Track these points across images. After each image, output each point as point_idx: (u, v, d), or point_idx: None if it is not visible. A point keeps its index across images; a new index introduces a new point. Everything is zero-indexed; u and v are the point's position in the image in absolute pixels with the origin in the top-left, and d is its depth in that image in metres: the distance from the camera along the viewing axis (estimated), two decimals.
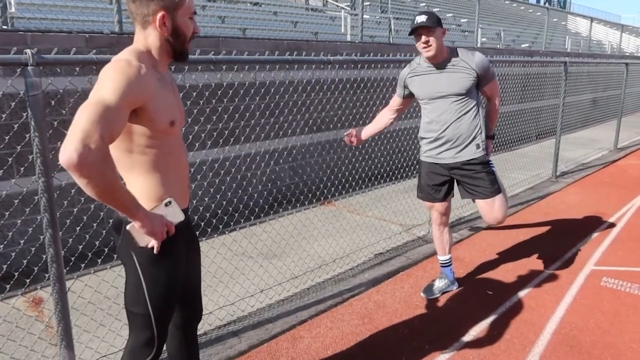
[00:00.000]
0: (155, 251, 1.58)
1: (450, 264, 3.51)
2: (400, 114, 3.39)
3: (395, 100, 3.30)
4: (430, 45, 2.87)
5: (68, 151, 1.26)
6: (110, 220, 4.02)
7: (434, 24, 2.84)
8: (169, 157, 1.64)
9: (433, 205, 3.31)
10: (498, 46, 12.02)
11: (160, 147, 1.60)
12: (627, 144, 9.87)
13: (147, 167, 1.59)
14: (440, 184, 3.20)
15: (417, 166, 3.39)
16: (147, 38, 1.59)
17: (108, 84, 1.41)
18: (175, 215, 1.60)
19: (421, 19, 2.85)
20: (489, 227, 4.83)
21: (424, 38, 2.87)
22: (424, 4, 16.44)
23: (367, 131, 3.36)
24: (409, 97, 3.22)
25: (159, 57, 1.61)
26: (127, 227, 1.53)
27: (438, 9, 16.18)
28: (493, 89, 3.13)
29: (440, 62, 2.98)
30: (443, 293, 3.44)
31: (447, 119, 3.02)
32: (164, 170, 1.63)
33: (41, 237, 2.27)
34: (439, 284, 3.46)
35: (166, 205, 1.58)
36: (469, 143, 3.04)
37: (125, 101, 1.41)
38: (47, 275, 2.23)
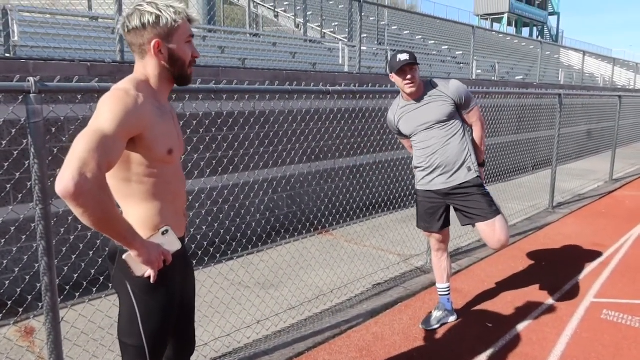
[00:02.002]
0: (152, 280, 1.55)
1: (449, 294, 3.47)
2: None
3: (406, 142, 3.39)
4: (415, 81, 3.03)
5: (65, 180, 1.26)
6: (107, 249, 3.99)
7: (416, 61, 3.01)
8: (167, 186, 1.63)
9: (430, 233, 3.32)
10: (493, 78, 12.22)
11: (158, 175, 1.59)
12: (622, 175, 9.94)
13: (144, 195, 1.58)
14: (437, 211, 3.22)
15: (415, 196, 3.41)
16: (146, 67, 1.59)
17: (106, 113, 1.41)
18: (172, 244, 1.58)
19: (405, 57, 3.00)
20: (488, 256, 4.81)
21: (409, 75, 3.01)
22: (420, 37, 16.79)
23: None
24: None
25: (159, 85, 1.61)
26: (124, 256, 1.51)
27: (434, 42, 16.53)
28: (474, 116, 3.19)
29: (417, 97, 3.12)
30: (442, 324, 3.39)
31: (434, 146, 3.09)
32: (162, 199, 1.61)
33: (36, 265, 2.24)
34: (437, 314, 3.42)
35: (163, 234, 1.56)
36: (460, 166, 3.08)
37: (123, 130, 1.41)
38: (40, 304, 2.19)
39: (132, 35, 1.56)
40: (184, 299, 1.79)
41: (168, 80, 1.63)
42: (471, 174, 3.08)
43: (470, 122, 3.22)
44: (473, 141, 3.26)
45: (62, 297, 2.53)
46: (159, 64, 1.58)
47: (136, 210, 1.59)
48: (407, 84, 3.03)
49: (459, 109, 3.14)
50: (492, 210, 3.07)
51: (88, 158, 1.30)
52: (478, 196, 3.07)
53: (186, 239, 1.82)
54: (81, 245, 3.59)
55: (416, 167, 3.26)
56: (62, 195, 1.27)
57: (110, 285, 3.42)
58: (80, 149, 1.31)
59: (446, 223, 3.29)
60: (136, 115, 1.45)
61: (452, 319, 3.46)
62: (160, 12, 1.53)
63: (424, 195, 3.25)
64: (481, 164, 3.26)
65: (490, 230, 3.06)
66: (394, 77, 3.07)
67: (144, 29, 1.54)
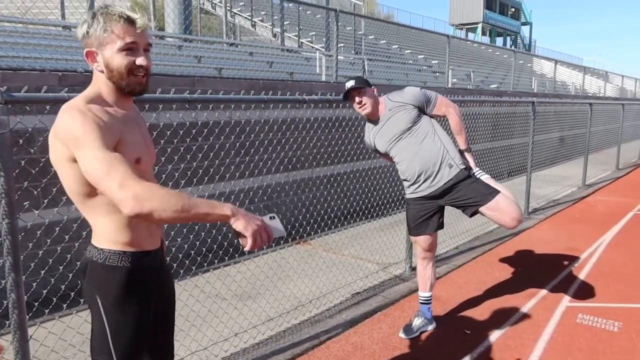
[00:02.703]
0: (247, 248, 1.42)
1: (430, 302, 3.47)
2: None
3: (386, 157, 3.37)
4: (365, 104, 3.10)
5: (124, 203, 1.32)
6: (78, 263, 3.88)
7: (362, 85, 3.09)
8: None
9: (418, 239, 3.31)
10: (468, 86, 12.42)
11: None
12: (595, 180, 10.16)
13: (110, 207, 1.49)
14: (427, 215, 3.21)
15: (395, 204, 3.42)
16: (96, 80, 1.56)
17: (84, 135, 1.38)
18: (277, 229, 1.50)
19: (350, 83, 3.10)
20: (465, 263, 4.84)
21: (357, 99, 3.10)
22: (396, 46, 16.99)
23: None
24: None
25: (113, 98, 1.55)
26: (231, 224, 1.40)
27: (410, 51, 16.74)
28: (441, 106, 3.20)
29: (380, 115, 3.18)
30: (421, 333, 3.39)
31: (409, 156, 3.11)
32: None
33: (2, 281, 2.16)
34: (417, 323, 3.42)
35: (270, 219, 1.50)
36: (440, 167, 3.07)
37: (109, 140, 1.41)
38: (7, 322, 2.11)
39: (82, 47, 1.54)
40: (158, 314, 1.73)
41: (116, 91, 1.55)
42: (453, 170, 3.05)
43: (442, 113, 3.21)
44: (451, 131, 3.27)
45: (30, 314, 2.45)
46: (100, 75, 1.53)
47: (104, 223, 1.54)
48: (359, 107, 3.13)
49: (425, 111, 3.16)
50: (489, 191, 2.97)
51: (119, 176, 1.33)
52: (470, 185, 3.03)
53: (164, 251, 1.77)
54: (50, 260, 3.49)
55: (404, 180, 3.27)
56: (135, 215, 1.32)
57: (82, 300, 3.32)
58: (106, 175, 1.34)
59: (439, 226, 3.27)
60: (103, 123, 1.42)
61: (431, 327, 3.46)
62: (93, 20, 1.47)
63: (414, 203, 3.25)
64: (467, 150, 3.25)
65: (497, 211, 2.93)
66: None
67: (82, 40, 1.52)
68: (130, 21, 1.48)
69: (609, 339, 3.35)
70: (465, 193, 3.04)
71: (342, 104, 6.44)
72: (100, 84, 1.55)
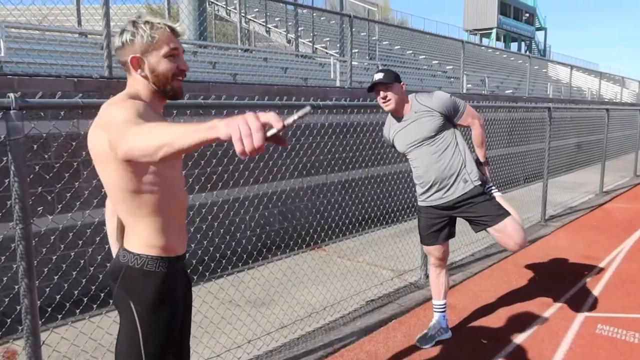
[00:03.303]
0: (255, 144, 1.08)
1: (445, 310, 3.41)
2: None
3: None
4: (389, 100, 3.01)
5: (120, 149, 1.28)
6: (91, 268, 3.89)
7: (390, 80, 2.98)
8: (174, 197, 1.62)
9: (429, 248, 3.27)
10: (483, 92, 12.31)
11: (166, 185, 1.57)
12: (612, 187, 9.98)
13: (153, 207, 1.55)
14: (439, 226, 3.16)
15: (410, 210, 3.36)
16: (134, 83, 1.61)
17: (121, 114, 1.38)
18: (301, 112, 1.11)
19: (378, 76, 3.00)
20: (481, 271, 4.76)
21: (382, 93, 3.02)
22: (410, 52, 16.93)
23: None
24: None
25: (150, 100, 1.60)
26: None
27: (424, 56, 16.67)
28: (467, 117, 3.12)
29: (405, 114, 3.10)
30: (437, 342, 3.33)
31: (427, 163, 3.05)
32: (168, 210, 1.60)
33: (16, 286, 2.16)
34: (433, 332, 3.35)
35: (300, 116, 1.12)
36: (455, 180, 3.02)
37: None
38: (20, 327, 2.10)
39: (118, 54, 1.61)
40: (185, 318, 1.76)
41: (156, 94, 1.62)
42: (468, 185, 3.01)
43: (467, 123, 3.14)
44: (472, 141, 3.21)
45: (43, 320, 2.45)
46: (141, 79, 1.60)
47: (145, 224, 1.56)
48: (383, 102, 3.05)
49: (450, 120, 3.07)
50: (500, 213, 2.96)
51: (141, 127, 1.28)
52: (482, 203, 3.00)
53: (186, 256, 1.79)
54: (64, 265, 3.50)
55: (416, 185, 3.23)
56: (124, 155, 1.27)
57: (94, 306, 3.31)
58: (131, 130, 1.28)
59: (450, 235, 3.23)
60: (143, 115, 1.43)
61: (447, 336, 3.39)
62: (137, 29, 1.55)
63: (425, 212, 3.20)
64: (485, 163, 3.20)
65: (503, 234, 2.94)
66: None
67: (124, 47, 1.58)
68: (172, 29, 1.59)
69: (629, 350, 3.25)
70: (476, 210, 3.02)
71: (357, 110, 6.42)
72: (139, 88, 1.61)
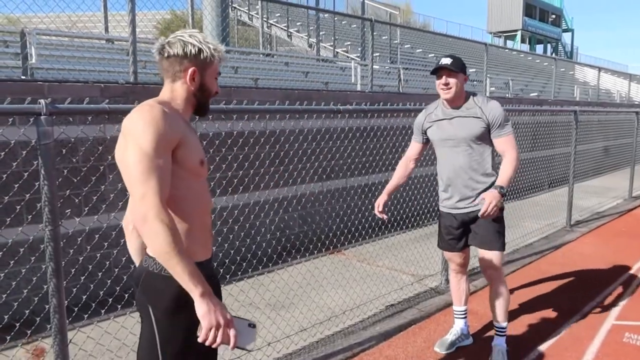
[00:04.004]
0: (200, 339, 1.45)
1: (466, 316, 3.38)
2: (418, 161, 3.31)
3: (414, 147, 3.25)
4: (450, 88, 2.88)
5: (135, 212, 1.44)
6: (116, 270, 3.98)
7: (456, 68, 2.86)
8: (198, 200, 1.65)
9: (449, 255, 3.24)
10: (507, 95, 12.15)
11: (190, 188, 1.61)
12: None
13: (176, 208, 1.57)
14: (457, 234, 3.11)
15: (430, 215, 3.32)
16: (175, 90, 1.68)
17: (143, 133, 1.47)
18: (247, 337, 1.50)
19: (445, 61, 2.88)
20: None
21: (444, 79, 2.88)
22: (432, 55, 16.82)
23: (389, 188, 3.28)
24: (427, 142, 3.21)
25: (183, 108, 1.68)
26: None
27: None
28: (505, 144, 2.93)
29: (456, 106, 2.98)
30: (457, 347, 3.30)
31: (458, 165, 2.97)
32: (192, 212, 1.62)
33: (45, 286, 2.23)
34: (454, 338, 3.33)
35: (249, 326, 1.53)
36: (474, 197, 2.95)
37: (164, 142, 1.49)
38: (49, 325, 2.17)
39: (170, 62, 1.65)
40: None
41: (192, 105, 1.71)
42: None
43: (501, 149, 2.95)
44: (501, 163, 2.98)
45: (70, 319, 2.52)
46: (188, 90, 1.67)
47: None
48: (442, 88, 2.91)
49: (490, 131, 2.94)
50: (497, 245, 2.98)
51: (146, 188, 1.43)
52: (489, 224, 2.96)
53: (212, 259, 1.81)
54: (90, 267, 3.59)
55: (439, 186, 3.17)
56: (136, 225, 1.44)
57: (119, 306, 3.39)
58: (137, 180, 1.44)
59: (466, 244, 3.16)
60: (169, 123, 1.52)
61: (468, 342, 3.36)
62: (202, 45, 1.65)
63: (445, 218, 3.16)
64: (500, 191, 2.84)
65: (486, 261, 3.02)
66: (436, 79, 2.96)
67: (185, 58, 1.64)
68: (221, 58, 1.75)
69: None
70: (480, 229, 3.00)
71: (377, 114, 6.41)
72: (178, 97, 1.68)
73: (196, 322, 1.61)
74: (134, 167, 1.45)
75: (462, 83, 2.91)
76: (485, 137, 2.95)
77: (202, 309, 1.44)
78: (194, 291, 1.43)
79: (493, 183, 2.92)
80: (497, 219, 2.97)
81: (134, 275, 1.69)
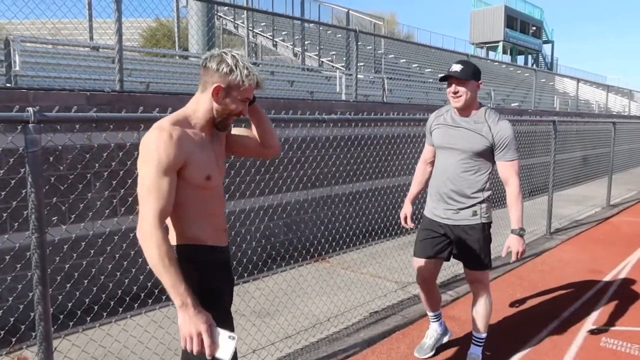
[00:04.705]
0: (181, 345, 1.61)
1: (440, 317, 3.41)
2: (433, 164, 3.18)
3: (428, 150, 3.20)
4: (460, 96, 2.79)
5: (137, 226, 1.61)
6: (102, 277, 3.96)
7: (467, 76, 2.76)
8: (205, 206, 1.80)
9: (419, 262, 3.12)
10: (489, 105, 12.35)
11: (195, 198, 1.77)
12: (619, 200, 9.96)
13: (181, 213, 1.76)
14: (436, 240, 3.04)
15: (418, 223, 3.29)
16: (200, 101, 1.80)
17: (149, 157, 1.64)
18: (225, 350, 1.59)
19: (455, 68, 2.77)
20: None
21: (453, 87, 2.79)
22: (416, 65, 17.05)
23: (411, 197, 3.27)
24: None
25: (203, 120, 1.80)
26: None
27: (430, 70, 16.78)
28: (509, 170, 2.85)
29: (466, 115, 2.89)
30: (439, 352, 3.35)
31: (450, 173, 2.91)
32: (198, 217, 1.79)
33: (30, 294, 2.23)
34: (430, 341, 3.36)
35: (229, 338, 1.60)
36: (466, 207, 2.91)
37: (168, 165, 1.64)
38: (34, 333, 2.17)
39: (205, 71, 1.78)
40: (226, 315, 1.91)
41: (211, 120, 1.82)
42: (475, 219, 2.91)
43: (503, 176, 2.88)
44: (507, 202, 2.92)
45: (55, 327, 2.52)
46: (211, 104, 1.78)
47: (175, 221, 1.77)
48: (451, 96, 2.83)
49: (493, 153, 2.86)
50: (483, 264, 2.99)
51: (145, 207, 1.61)
52: (475, 243, 2.94)
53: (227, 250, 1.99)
54: (76, 274, 3.58)
55: (429, 188, 3.14)
56: (139, 241, 1.61)
57: (104, 314, 3.38)
58: (140, 197, 1.63)
59: (440, 253, 3.05)
60: (174, 147, 1.65)
61: (447, 337, 3.42)
62: (236, 68, 1.74)
63: (428, 222, 3.11)
64: (518, 233, 2.84)
65: (473, 277, 3.07)
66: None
67: (216, 72, 1.75)
68: (257, 83, 1.81)
69: None
70: (464, 247, 2.96)
71: (362, 123, 6.49)
72: (202, 108, 1.80)
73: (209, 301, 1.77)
74: (139, 186, 1.64)
75: (473, 90, 2.81)
76: (486, 155, 2.87)
77: (180, 318, 1.58)
78: (175, 301, 1.57)
79: (483, 201, 2.90)
80: (485, 239, 2.97)
81: None
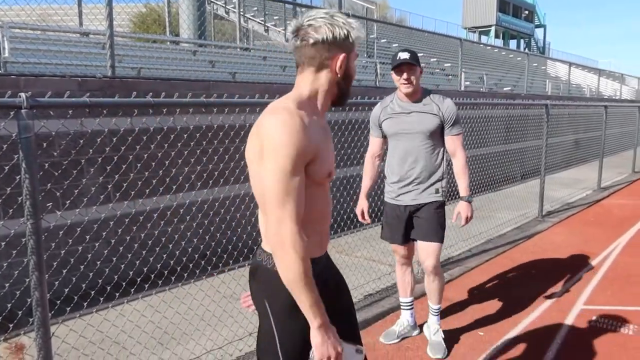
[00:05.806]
0: None
1: (412, 308, 3.44)
2: (382, 157, 3.35)
3: (376, 143, 3.28)
4: (411, 82, 2.96)
5: (273, 234, 1.38)
6: (98, 263, 3.97)
7: (416, 62, 2.94)
8: (315, 207, 1.52)
9: (395, 247, 3.27)
10: (481, 89, 12.38)
11: (311, 197, 1.48)
12: (610, 183, 10.07)
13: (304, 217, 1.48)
14: (402, 226, 3.15)
15: (382, 206, 3.36)
16: (317, 80, 1.50)
17: (280, 147, 1.36)
18: None
19: (404, 55, 2.92)
20: (478, 266, 4.85)
21: (405, 75, 2.94)
22: None
23: (365, 191, 3.32)
24: (386, 136, 3.22)
25: (323, 101, 1.53)
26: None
27: (422, 54, 16.71)
28: (456, 143, 3.07)
29: (414, 100, 3.05)
30: (403, 338, 3.36)
31: (409, 158, 3.04)
32: (307, 219, 1.47)
33: (26, 280, 2.24)
34: (399, 329, 3.39)
35: (357, 351, 1.55)
36: (429, 186, 3.05)
37: (300, 159, 1.38)
38: (31, 319, 2.18)
39: (317, 49, 1.46)
40: (334, 317, 1.56)
41: (332, 96, 1.55)
42: (437, 196, 3.06)
43: (451, 149, 3.09)
44: (454, 174, 3.15)
45: (52, 312, 2.53)
46: (334, 79, 1.50)
47: None
48: (403, 83, 2.96)
49: (443, 129, 3.06)
50: (436, 236, 3.07)
51: (283, 213, 1.36)
52: (432, 217, 3.06)
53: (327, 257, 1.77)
54: (72, 260, 3.58)
55: (386, 178, 3.21)
56: (270, 245, 1.42)
57: (101, 299, 3.40)
58: (274, 201, 1.36)
59: (409, 236, 3.19)
60: (308, 137, 1.39)
61: (415, 333, 3.44)
62: (351, 28, 1.47)
63: (390, 209, 3.21)
64: (467, 200, 3.09)
65: (424, 252, 3.10)
66: (393, 75, 3.00)
67: (334, 43, 1.45)
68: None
69: (624, 342, 3.34)
70: (421, 222, 3.08)
71: (355, 107, 6.49)
72: (319, 86, 1.51)
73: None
74: (272, 186, 1.36)
75: (419, 77, 3.01)
76: (439, 132, 3.06)
77: (317, 339, 1.42)
78: (313, 321, 1.41)
79: (442, 178, 3.07)
80: (440, 214, 3.09)
81: (250, 267, 1.65)
